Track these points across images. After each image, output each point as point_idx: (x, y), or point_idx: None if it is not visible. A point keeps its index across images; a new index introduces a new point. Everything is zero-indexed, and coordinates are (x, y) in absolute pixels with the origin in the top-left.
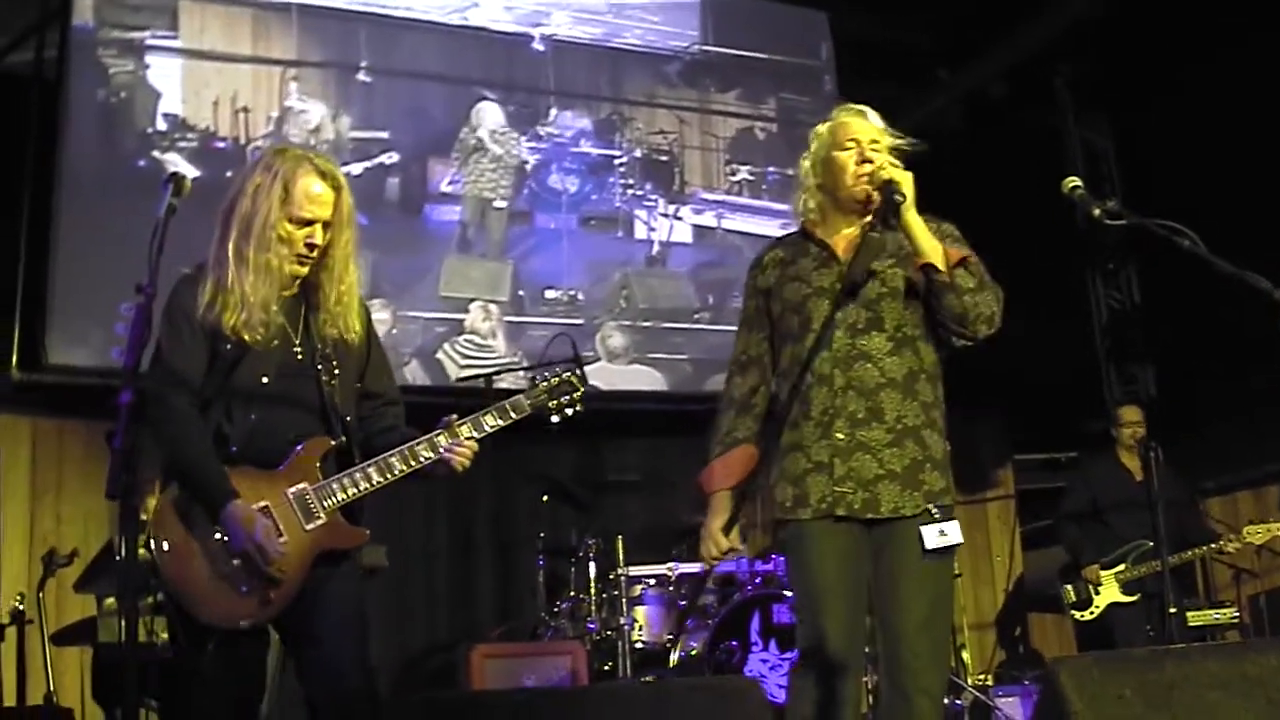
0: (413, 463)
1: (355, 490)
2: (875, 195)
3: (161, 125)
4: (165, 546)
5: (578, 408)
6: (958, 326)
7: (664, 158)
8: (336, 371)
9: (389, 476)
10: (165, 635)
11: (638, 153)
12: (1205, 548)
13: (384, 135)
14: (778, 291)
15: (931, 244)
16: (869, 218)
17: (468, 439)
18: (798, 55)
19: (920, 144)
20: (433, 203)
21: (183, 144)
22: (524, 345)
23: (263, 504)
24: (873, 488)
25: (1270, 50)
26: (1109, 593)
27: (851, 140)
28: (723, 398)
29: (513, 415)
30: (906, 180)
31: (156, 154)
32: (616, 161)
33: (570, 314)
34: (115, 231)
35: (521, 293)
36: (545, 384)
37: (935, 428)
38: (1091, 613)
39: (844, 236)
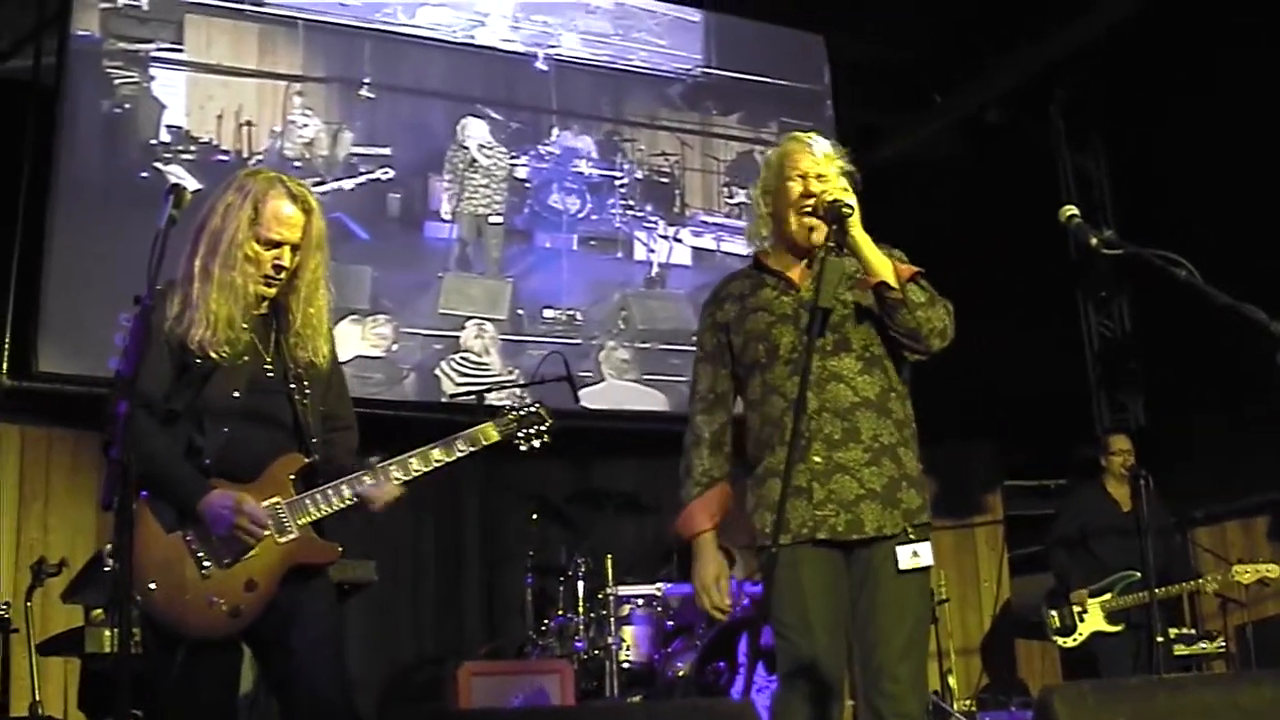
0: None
1: (328, 507)
2: (819, 230)
3: (165, 137)
4: (137, 557)
5: (545, 439)
6: (911, 342)
7: (664, 179)
8: (308, 391)
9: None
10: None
11: (638, 174)
12: (1192, 583)
13: (386, 151)
14: (738, 325)
15: (881, 261)
16: (818, 248)
17: (396, 480)
18: (799, 79)
19: (856, 171)
20: (433, 219)
21: (185, 156)
22: (522, 364)
23: None
24: (855, 508)
25: (1264, 79)
26: (1093, 620)
27: (798, 174)
28: (690, 436)
29: (481, 443)
30: (852, 201)
31: (159, 165)
32: (617, 182)
33: (569, 334)
34: (114, 241)
35: (520, 311)
36: (515, 414)
37: (909, 446)
38: (1075, 639)
39: (798, 265)
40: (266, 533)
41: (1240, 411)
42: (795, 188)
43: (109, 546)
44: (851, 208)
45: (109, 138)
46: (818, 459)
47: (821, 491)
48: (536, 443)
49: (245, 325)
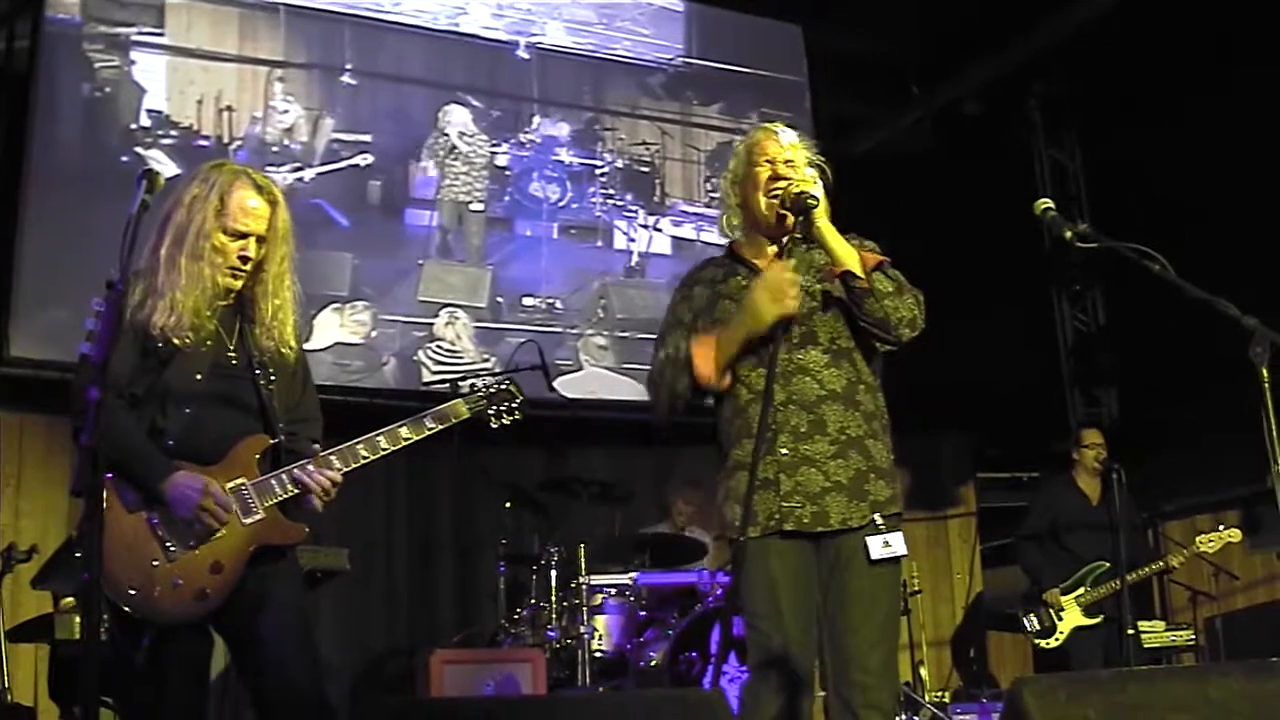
0: (353, 461)
1: (294, 487)
2: (788, 217)
3: (145, 122)
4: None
5: (516, 416)
6: (880, 332)
7: (645, 169)
8: (272, 377)
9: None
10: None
11: (619, 163)
12: (1159, 563)
13: (367, 138)
14: (708, 312)
15: (846, 250)
16: (786, 238)
17: (337, 470)
18: (780, 70)
19: (824, 161)
20: (413, 206)
21: (165, 141)
22: (501, 351)
23: None
24: (820, 500)
25: (1240, 75)
26: (1072, 617)
27: (766, 160)
28: (662, 362)
29: (450, 421)
30: (819, 191)
31: (139, 150)
32: (598, 171)
33: (548, 322)
34: (91, 226)
35: (499, 299)
36: (484, 390)
37: (879, 437)
38: (1056, 639)
39: (768, 255)
40: (229, 515)
41: (1212, 405)
42: (763, 172)
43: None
44: (816, 199)
45: (88, 122)
46: (784, 451)
47: (788, 483)
48: (507, 419)
49: (210, 315)
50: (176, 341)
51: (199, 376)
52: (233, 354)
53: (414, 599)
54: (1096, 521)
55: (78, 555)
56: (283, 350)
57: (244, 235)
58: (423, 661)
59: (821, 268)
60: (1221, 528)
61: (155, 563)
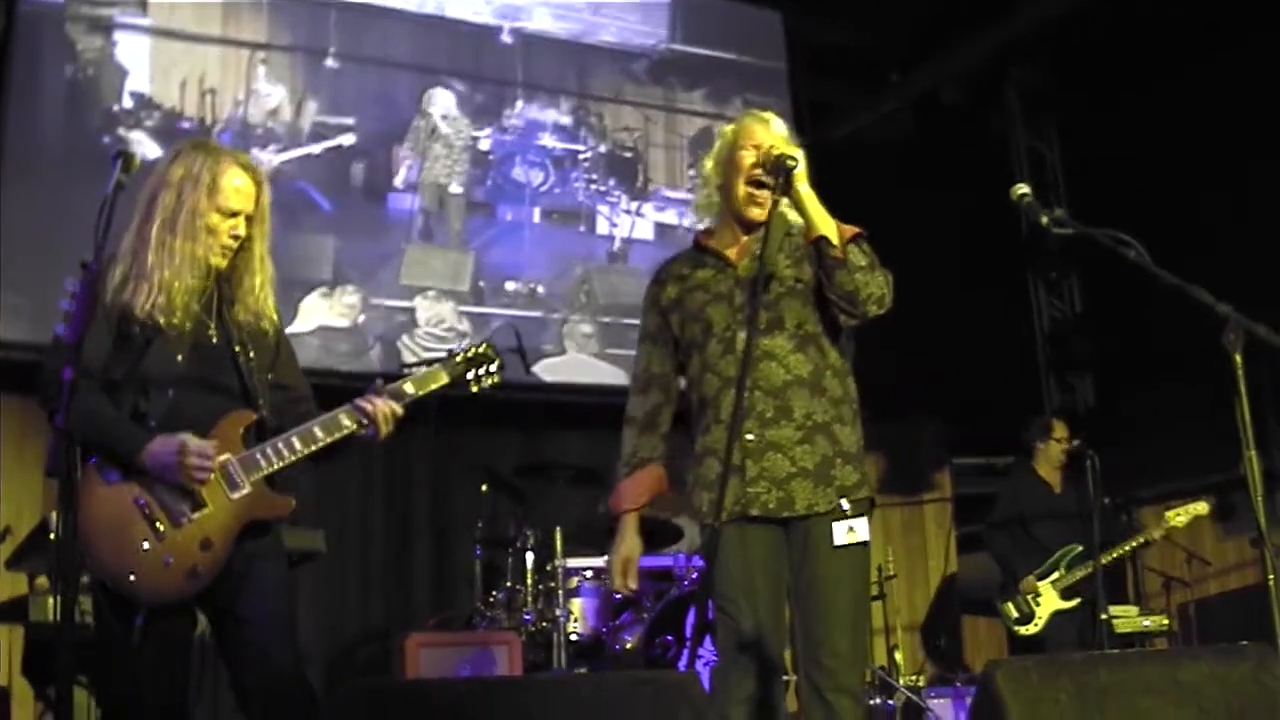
0: (335, 431)
1: (279, 460)
2: (759, 209)
3: (127, 104)
4: (87, 521)
5: (495, 379)
6: (848, 305)
7: (628, 154)
8: (253, 356)
9: (312, 445)
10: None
11: (602, 148)
12: (1135, 541)
13: (350, 121)
14: (679, 305)
15: (824, 217)
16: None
17: (390, 404)
18: (763, 57)
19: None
20: (396, 190)
21: (148, 123)
22: (484, 335)
23: None
24: (786, 486)
25: (1218, 64)
26: (1049, 602)
27: (753, 144)
28: (625, 416)
29: (430, 386)
30: (799, 155)
31: (121, 132)
32: (581, 156)
33: (530, 306)
34: (72, 207)
35: (482, 284)
36: (461, 354)
37: (846, 422)
38: (1036, 625)
39: (739, 245)
40: (217, 461)
41: (1187, 392)
42: (748, 156)
43: (54, 514)
44: (796, 160)
45: (70, 103)
46: (750, 436)
47: (754, 469)
48: (487, 382)
49: (194, 295)
50: (162, 321)
51: (179, 358)
52: (213, 334)
53: (389, 582)
54: (1062, 509)
55: (52, 537)
56: (262, 324)
57: (235, 214)
58: (398, 644)
59: (792, 252)
60: (1188, 500)
61: (145, 543)
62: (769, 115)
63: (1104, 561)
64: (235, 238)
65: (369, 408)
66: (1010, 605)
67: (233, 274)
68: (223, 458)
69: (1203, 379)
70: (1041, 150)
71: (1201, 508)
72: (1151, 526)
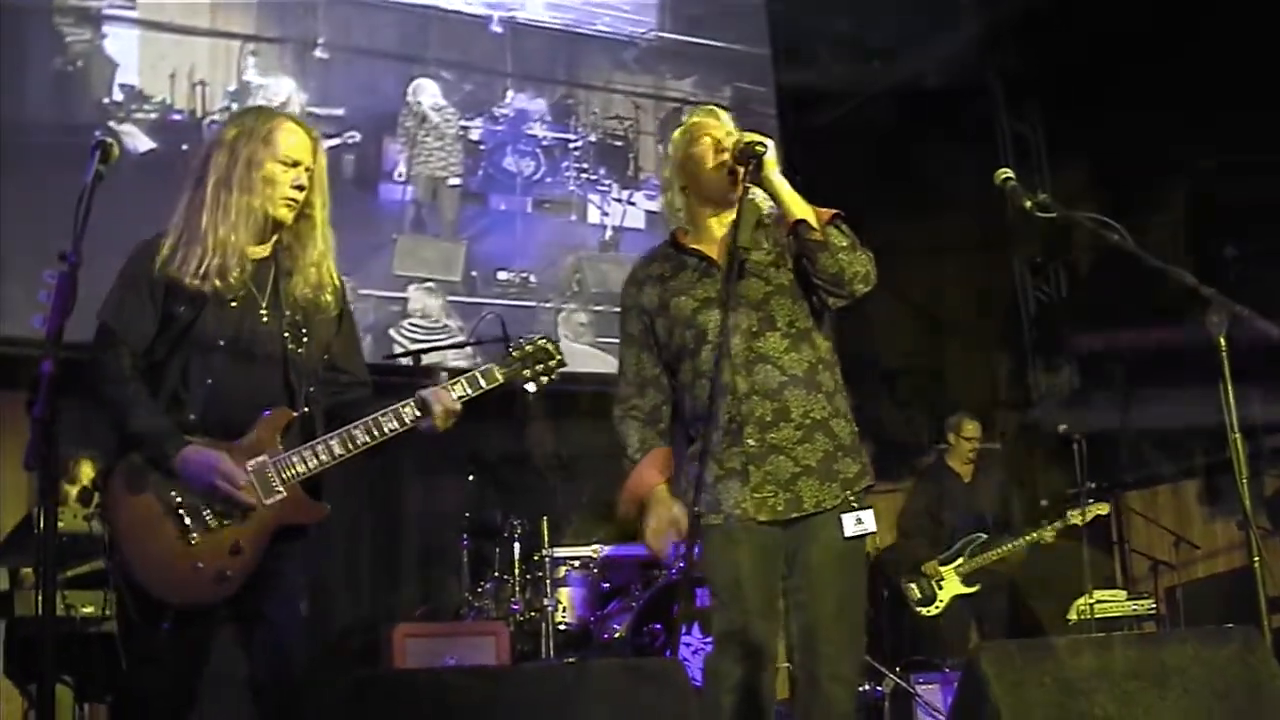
0: (376, 434)
1: (316, 463)
2: (739, 172)
3: (118, 96)
4: (119, 522)
5: (552, 375)
6: (834, 287)
7: (619, 143)
8: (305, 338)
9: (351, 448)
10: (86, 610)
11: (593, 137)
12: (1032, 534)
13: (340, 112)
14: (663, 309)
15: (798, 201)
16: (734, 208)
17: (454, 399)
18: (752, 44)
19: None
20: (387, 181)
21: (139, 116)
22: (471, 326)
23: None
24: (793, 486)
25: (1204, 48)
26: (951, 586)
27: (706, 136)
28: (619, 410)
29: (482, 385)
30: (768, 141)
31: (112, 124)
32: (571, 145)
33: (522, 296)
34: (62, 200)
35: (474, 273)
36: (520, 352)
37: (842, 415)
38: (937, 607)
39: (717, 241)
40: (248, 499)
41: (1172, 376)
42: (707, 142)
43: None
44: (765, 145)
45: (59, 96)
46: (751, 442)
47: (758, 474)
48: (545, 380)
49: (247, 264)
50: (218, 284)
51: (222, 341)
52: (264, 313)
53: (377, 572)
54: (970, 500)
55: (36, 532)
56: (324, 298)
57: (296, 164)
58: (385, 636)
59: (773, 248)
60: (1092, 501)
61: (175, 546)
62: (716, 109)
63: (1004, 554)
64: (299, 188)
65: (437, 407)
66: (914, 587)
67: (294, 243)
68: (259, 460)
69: (1189, 362)
70: (1025, 134)
71: (1103, 507)
72: (1056, 522)
